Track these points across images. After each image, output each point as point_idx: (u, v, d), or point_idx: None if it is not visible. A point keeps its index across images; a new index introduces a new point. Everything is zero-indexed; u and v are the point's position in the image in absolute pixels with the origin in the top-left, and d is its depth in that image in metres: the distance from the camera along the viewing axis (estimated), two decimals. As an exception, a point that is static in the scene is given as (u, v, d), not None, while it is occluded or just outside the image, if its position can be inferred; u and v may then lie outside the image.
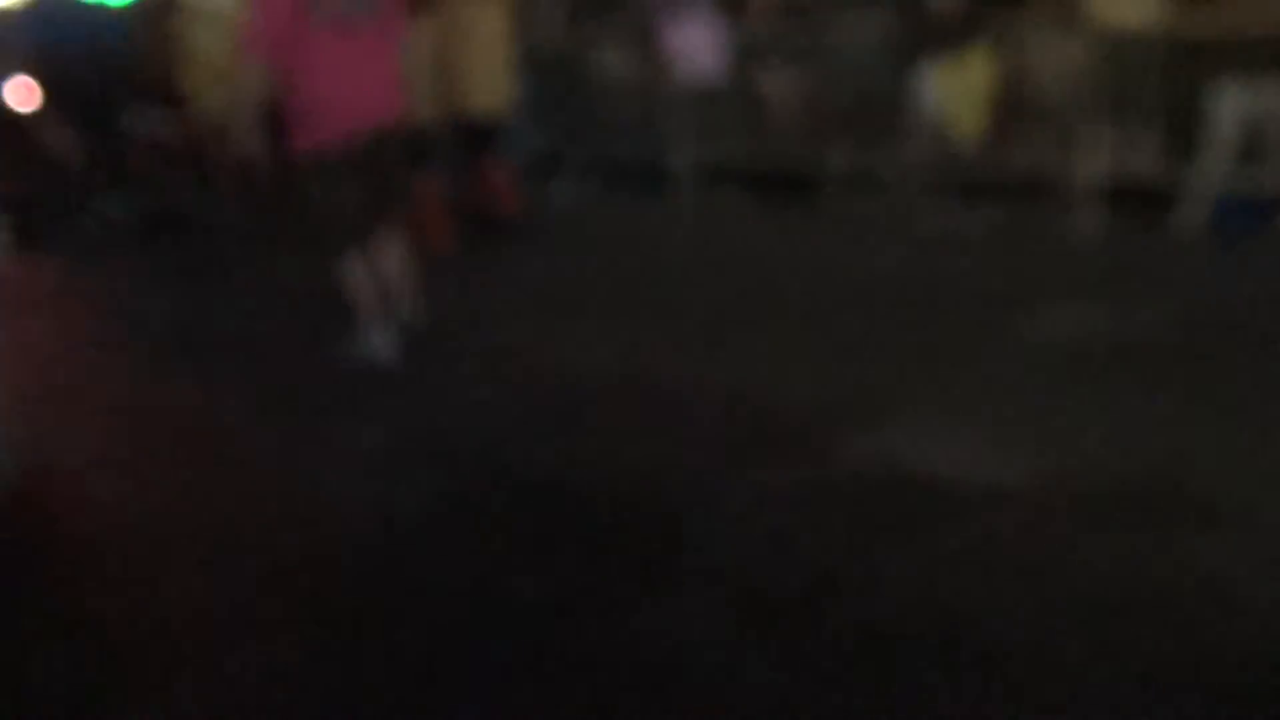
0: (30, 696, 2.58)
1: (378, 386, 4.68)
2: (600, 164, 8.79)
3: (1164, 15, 6.18)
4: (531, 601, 2.86)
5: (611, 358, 4.79)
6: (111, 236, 6.96)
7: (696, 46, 7.48)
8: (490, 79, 6.83)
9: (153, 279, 6.59)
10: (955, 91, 6.77)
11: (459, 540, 3.26)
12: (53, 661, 2.70)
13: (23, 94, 7.07)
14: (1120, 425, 3.70)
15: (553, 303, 5.82)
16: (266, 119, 4.60)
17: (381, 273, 4.81)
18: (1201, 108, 6.02)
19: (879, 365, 4.47)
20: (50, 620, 2.91)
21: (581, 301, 5.81)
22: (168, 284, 6.47)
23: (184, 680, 2.58)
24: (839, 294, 5.62)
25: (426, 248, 5.80)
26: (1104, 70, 6.23)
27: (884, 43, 7.07)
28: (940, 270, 5.91)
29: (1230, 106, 5.95)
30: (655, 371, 4.62)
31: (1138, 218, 6.44)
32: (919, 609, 2.70)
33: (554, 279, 6.35)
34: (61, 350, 5.59)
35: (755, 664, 2.51)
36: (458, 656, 2.62)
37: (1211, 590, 2.70)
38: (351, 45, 4.46)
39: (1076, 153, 6.49)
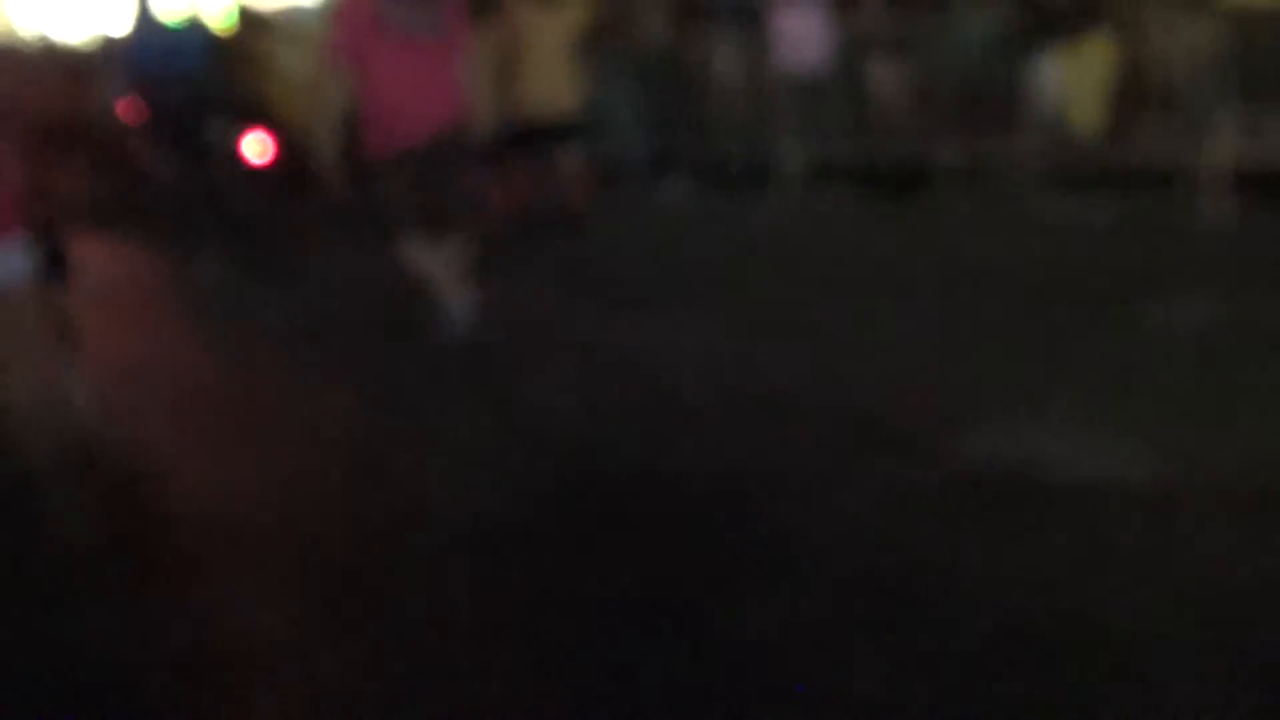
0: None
1: (476, 381, 4.76)
2: (708, 163, 8.78)
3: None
4: (636, 602, 2.87)
5: (716, 356, 4.77)
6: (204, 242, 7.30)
7: (806, 37, 7.40)
8: (557, 81, 7.13)
9: (243, 277, 6.88)
10: (1074, 79, 6.57)
11: (559, 540, 3.28)
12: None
13: (130, 112, 7.53)
14: (1249, 421, 3.54)
15: (655, 301, 5.82)
16: (346, 125, 5.03)
17: (449, 260, 5.20)
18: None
19: (996, 360, 4.36)
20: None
21: (685, 299, 5.81)
22: (257, 282, 6.75)
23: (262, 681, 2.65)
24: (953, 288, 5.49)
25: (497, 238, 6.30)
26: (1230, 51, 5.97)
27: (998, 31, 6.90)
28: (1060, 262, 5.74)
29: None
30: (762, 369, 4.59)
31: (1269, 205, 6.16)
32: (1041, 609, 2.62)
33: (657, 277, 6.36)
34: (161, 339, 5.90)
35: (868, 665, 2.47)
36: (561, 658, 2.63)
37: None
38: (418, 57, 4.90)
39: (1203, 138, 6.24)
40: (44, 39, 10.21)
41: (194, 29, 7.61)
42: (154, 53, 7.37)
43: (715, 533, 3.20)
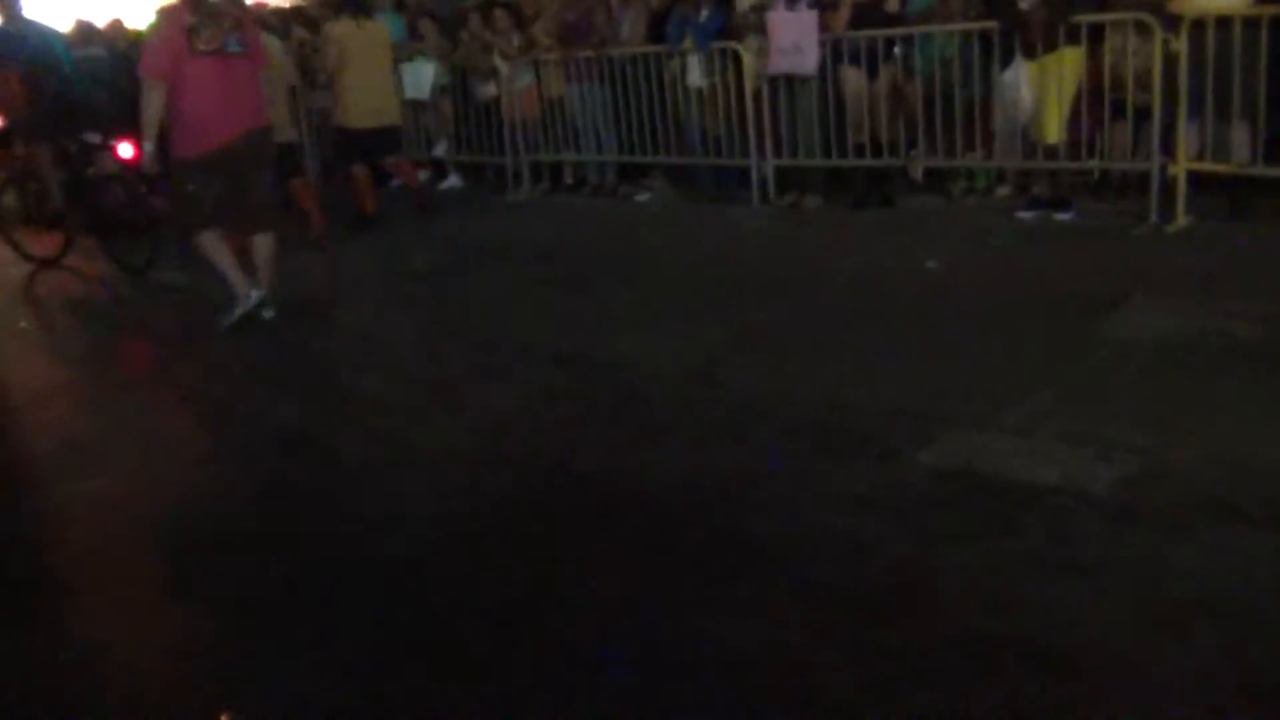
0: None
1: (445, 387, 4.82)
2: (682, 168, 8.85)
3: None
4: (601, 611, 2.93)
5: (685, 363, 4.85)
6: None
7: (795, 38, 7.47)
8: (378, 92, 8.54)
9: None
10: (1043, 89, 6.65)
11: (526, 548, 3.35)
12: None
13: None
14: (1210, 429, 3.63)
15: (627, 308, 5.89)
16: (161, 133, 5.81)
17: (249, 252, 6.14)
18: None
19: (961, 368, 4.45)
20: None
21: (654, 306, 5.87)
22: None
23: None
24: (919, 295, 5.59)
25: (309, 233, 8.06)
26: (1194, 61, 6.08)
27: (970, 42, 6.99)
28: (1026, 270, 5.84)
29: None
30: (729, 376, 4.66)
31: (1231, 213, 6.28)
32: (1008, 617, 2.70)
33: (628, 284, 6.43)
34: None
35: (836, 674, 2.54)
36: (527, 667, 2.70)
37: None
38: (227, 70, 5.77)
39: (1168, 147, 6.34)
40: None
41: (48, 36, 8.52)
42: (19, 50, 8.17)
43: (683, 541, 3.28)
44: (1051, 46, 6.55)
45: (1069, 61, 6.54)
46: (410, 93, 10.11)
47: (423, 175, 10.63)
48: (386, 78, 8.78)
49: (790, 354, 4.89)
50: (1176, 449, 3.49)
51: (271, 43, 8.09)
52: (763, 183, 8.08)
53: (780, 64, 7.59)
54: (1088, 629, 2.60)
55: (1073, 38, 6.50)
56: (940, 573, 2.93)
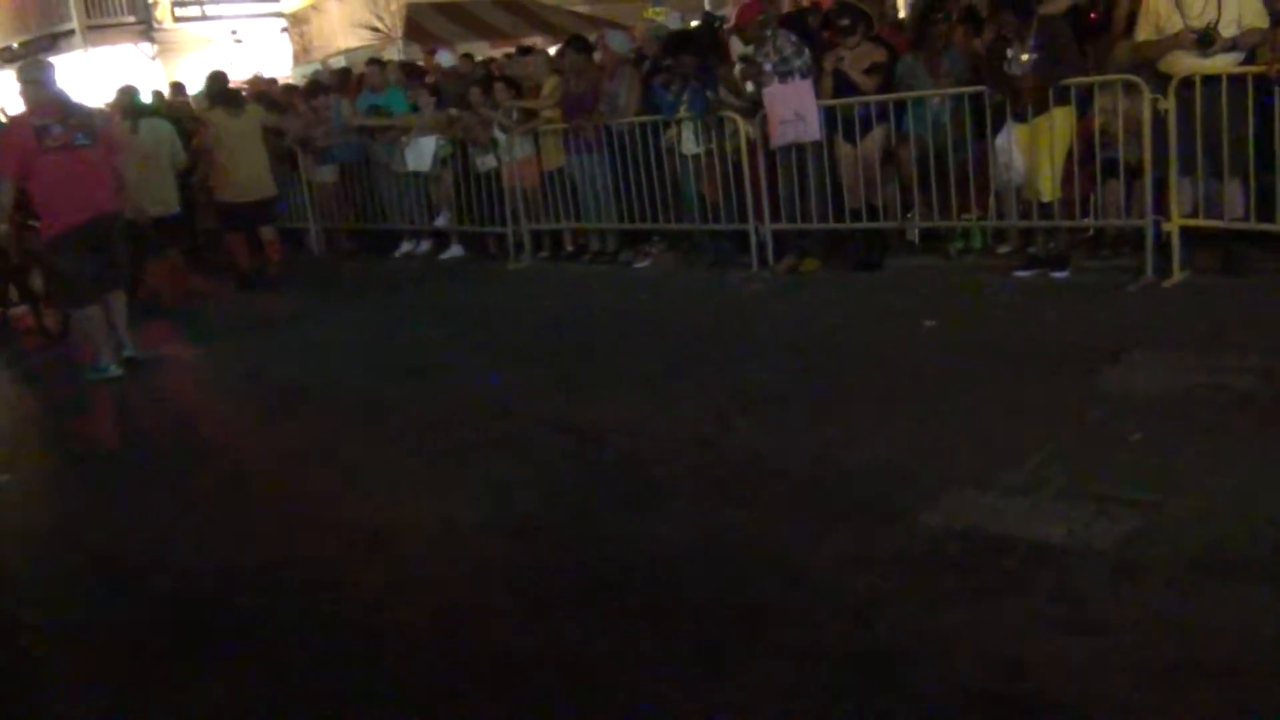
0: None
1: (461, 460, 4.84)
2: (681, 234, 8.94)
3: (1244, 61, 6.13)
4: (606, 672, 2.94)
5: (689, 426, 4.87)
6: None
7: (795, 108, 7.59)
8: (251, 169, 9.94)
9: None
10: (1035, 150, 6.75)
11: (532, 606, 3.36)
12: None
13: None
14: (1209, 484, 3.65)
15: (628, 373, 5.93)
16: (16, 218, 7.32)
17: (110, 318, 7.25)
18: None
19: (961, 426, 4.48)
20: None
21: (655, 370, 5.92)
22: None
23: None
24: (918, 355, 5.63)
25: (166, 297, 9.44)
26: (1184, 119, 6.18)
27: (963, 105, 7.10)
28: (1024, 328, 5.89)
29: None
30: (731, 439, 4.69)
31: (1225, 268, 6.34)
32: (1006, 671, 2.71)
33: (629, 349, 6.48)
34: None
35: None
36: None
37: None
38: (76, 160, 6.87)
39: (1161, 204, 6.43)
40: None
41: None
42: None
43: (688, 602, 3.29)
44: (1041, 108, 6.66)
45: (1059, 121, 6.64)
46: (412, 165, 10.28)
47: (425, 246, 10.82)
48: (258, 158, 10.10)
49: (792, 416, 4.92)
50: (1177, 504, 3.51)
51: (163, 126, 9.91)
52: (761, 247, 8.16)
53: (785, 134, 7.70)
54: (1093, 686, 2.61)
55: (1062, 97, 6.61)
56: (947, 632, 2.94)
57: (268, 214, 10.32)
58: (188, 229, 10.58)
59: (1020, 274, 6.98)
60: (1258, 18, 6.13)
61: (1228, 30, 6.11)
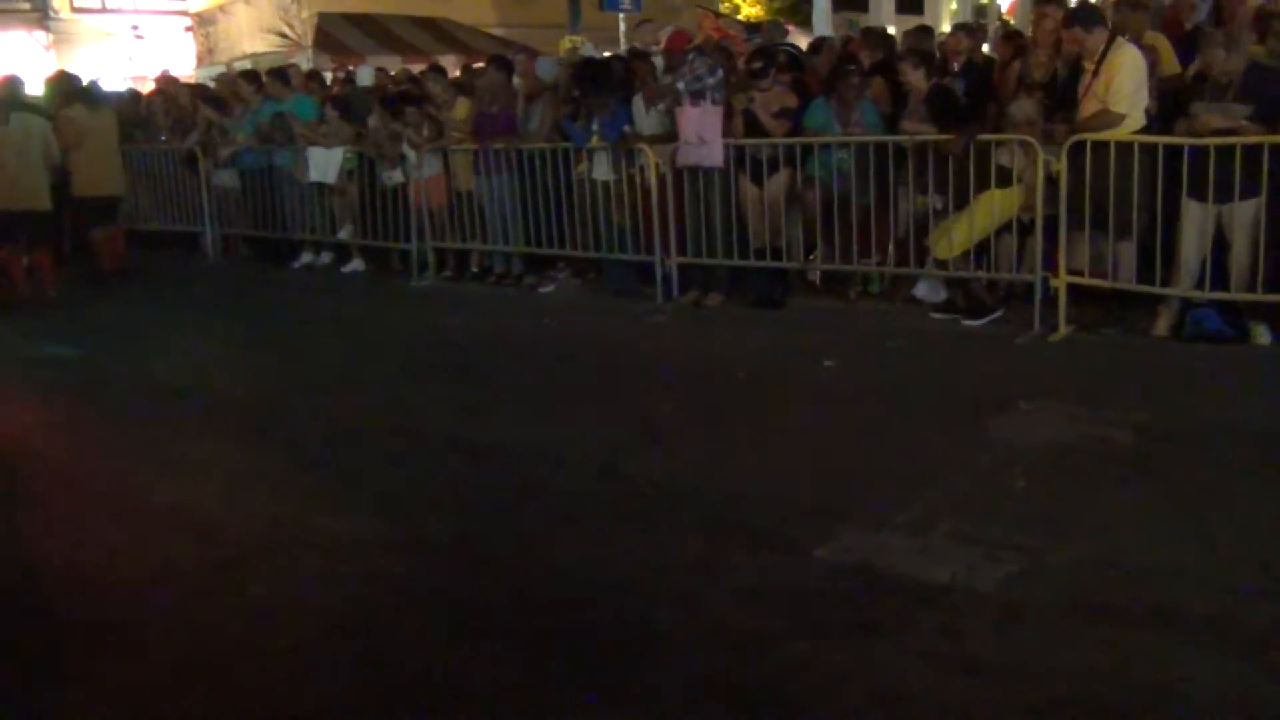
0: None
1: (355, 477, 4.77)
2: (587, 264, 8.98)
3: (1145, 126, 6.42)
4: (503, 691, 2.92)
5: (589, 453, 4.89)
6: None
7: (699, 130, 7.68)
8: (103, 168, 10.24)
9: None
10: (968, 215, 6.90)
11: (428, 628, 3.32)
12: None
13: None
14: (1090, 531, 3.80)
15: (528, 398, 5.93)
16: None
17: None
18: (1176, 216, 6.24)
19: (855, 465, 4.59)
20: None
21: (556, 396, 5.92)
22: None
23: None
24: (817, 394, 5.74)
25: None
26: (1081, 180, 6.43)
27: (870, 154, 7.28)
28: (918, 372, 6.05)
29: (1198, 217, 6.17)
30: (631, 467, 4.72)
31: (1109, 323, 6.60)
32: (893, 708, 2.77)
33: (530, 374, 6.47)
34: None
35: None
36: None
37: (1167, 697, 2.77)
38: None
39: (1051, 260, 6.67)
40: None
41: None
42: None
43: (580, 630, 3.29)
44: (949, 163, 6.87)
45: (999, 201, 6.81)
46: (315, 176, 10.12)
47: (327, 258, 10.65)
48: (112, 156, 10.48)
49: (691, 447, 4.97)
50: (1057, 550, 3.65)
51: (35, 121, 9.56)
52: (666, 279, 8.24)
53: (688, 156, 7.81)
54: (973, 723, 2.68)
55: (1004, 178, 6.81)
56: (837, 667, 3.00)
57: (114, 212, 10.64)
58: (57, 227, 10.34)
59: (917, 319, 7.18)
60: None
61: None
